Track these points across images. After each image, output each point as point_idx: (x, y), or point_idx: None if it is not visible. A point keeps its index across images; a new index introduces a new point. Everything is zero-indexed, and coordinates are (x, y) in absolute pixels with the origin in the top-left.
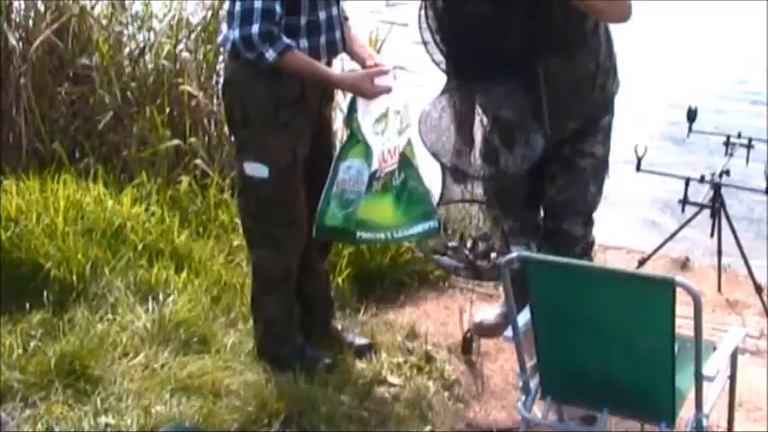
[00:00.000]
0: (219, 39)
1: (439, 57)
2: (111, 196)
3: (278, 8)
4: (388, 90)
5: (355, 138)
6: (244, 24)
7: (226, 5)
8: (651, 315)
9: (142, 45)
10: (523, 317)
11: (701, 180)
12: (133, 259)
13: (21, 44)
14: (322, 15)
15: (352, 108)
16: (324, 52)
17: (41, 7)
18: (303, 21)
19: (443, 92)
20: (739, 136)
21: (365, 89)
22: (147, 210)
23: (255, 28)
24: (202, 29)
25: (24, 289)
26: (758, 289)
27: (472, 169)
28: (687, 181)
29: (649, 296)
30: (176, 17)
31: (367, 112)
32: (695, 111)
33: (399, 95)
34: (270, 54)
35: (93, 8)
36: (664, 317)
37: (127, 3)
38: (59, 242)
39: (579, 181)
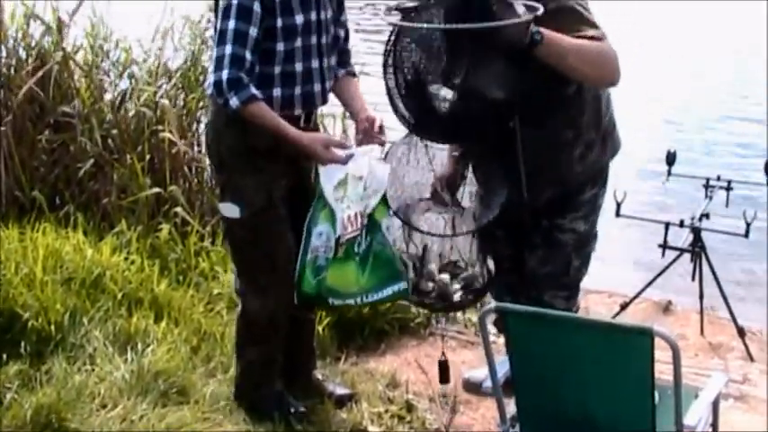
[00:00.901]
0: (209, 89)
1: (403, 111)
2: (90, 244)
3: (248, 55)
4: (343, 161)
5: (322, 201)
6: (216, 70)
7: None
8: (630, 364)
9: (123, 92)
10: (504, 366)
11: (681, 225)
12: (112, 308)
13: (2, 91)
14: (299, 67)
15: (316, 170)
16: (298, 103)
17: (23, 54)
18: (277, 70)
19: (408, 134)
20: (718, 179)
21: (318, 153)
22: (126, 258)
23: (225, 74)
24: (182, 76)
25: (1, 339)
26: (741, 332)
27: (415, 220)
28: (667, 226)
29: (628, 346)
30: (157, 63)
31: (326, 177)
32: (674, 154)
33: (362, 162)
34: (234, 102)
35: (75, 53)
36: (643, 366)
37: (106, 47)
38: (38, 292)
39: (560, 255)
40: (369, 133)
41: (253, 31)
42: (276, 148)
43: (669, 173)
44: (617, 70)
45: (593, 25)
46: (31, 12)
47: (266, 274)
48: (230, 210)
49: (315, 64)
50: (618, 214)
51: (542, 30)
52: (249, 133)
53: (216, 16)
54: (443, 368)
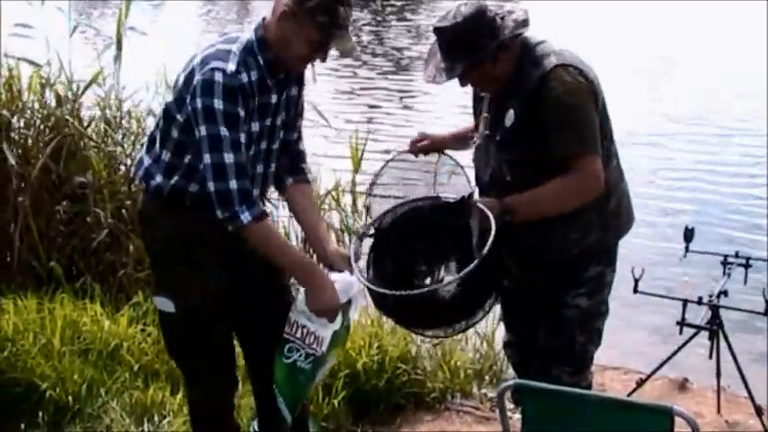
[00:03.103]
0: (139, 172)
1: None
2: (107, 316)
3: (246, 165)
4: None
5: None
6: (219, 179)
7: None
8: None
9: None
10: None
11: (699, 302)
12: (129, 380)
13: (19, 162)
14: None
15: None
16: None
17: (39, 124)
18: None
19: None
20: (737, 255)
21: (324, 301)
22: (143, 330)
23: (234, 184)
24: None
25: (19, 410)
26: (758, 411)
27: None
28: (685, 303)
29: (647, 425)
30: None
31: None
32: (692, 230)
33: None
34: (245, 217)
35: (88, 125)
36: None
37: (118, 116)
38: (55, 362)
39: (564, 331)
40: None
41: (243, 138)
42: (213, 239)
43: (687, 249)
44: (594, 189)
45: (580, 139)
46: (47, 80)
47: (203, 365)
48: (164, 304)
49: (259, 169)
50: (636, 291)
51: (510, 206)
52: (181, 221)
53: (178, 112)
54: None
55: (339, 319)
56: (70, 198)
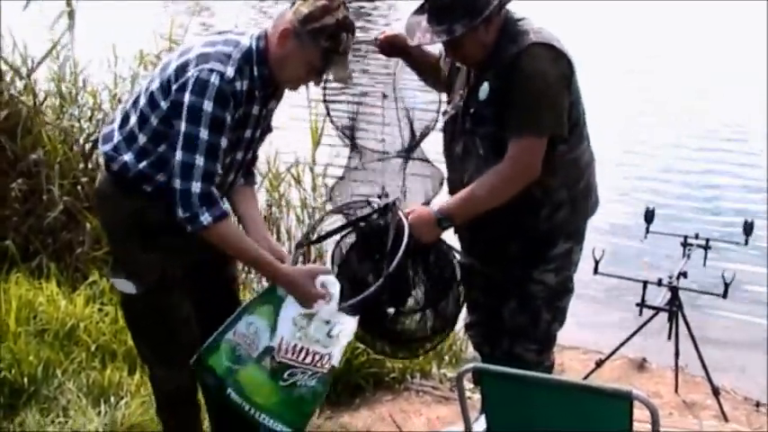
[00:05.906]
0: (106, 146)
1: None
2: (64, 295)
3: (219, 169)
4: (327, 298)
5: (269, 298)
6: (185, 179)
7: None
8: (608, 428)
9: (93, 139)
10: (481, 424)
11: (659, 283)
12: (86, 360)
13: None
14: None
15: None
16: None
17: None
18: None
19: None
20: (697, 237)
21: (305, 292)
22: (100, 309)
23: (196, 186)
24: None
25: None
26: (715, 391)
27: None
28: (644, 284)
29: (606, 409)
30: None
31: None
32: (652, 211)
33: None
34: (205, 218)
35: (44, 101)
36: (621, 430)
37: (74, 91)
38: (11, 344)
39: (530, 308)
40: None
41: (223, 142)
42: (171, 224)
43: (647, 230)
44: (527, 175)
45: (532, 123)
46: None
47: (166, 344)
48: (124, 285)
49: (230, 177)
50: (596, 272)
51: (444, 211)
52: (143, 206)
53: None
54: None
55: (349, 327)
56: (26, 175)
